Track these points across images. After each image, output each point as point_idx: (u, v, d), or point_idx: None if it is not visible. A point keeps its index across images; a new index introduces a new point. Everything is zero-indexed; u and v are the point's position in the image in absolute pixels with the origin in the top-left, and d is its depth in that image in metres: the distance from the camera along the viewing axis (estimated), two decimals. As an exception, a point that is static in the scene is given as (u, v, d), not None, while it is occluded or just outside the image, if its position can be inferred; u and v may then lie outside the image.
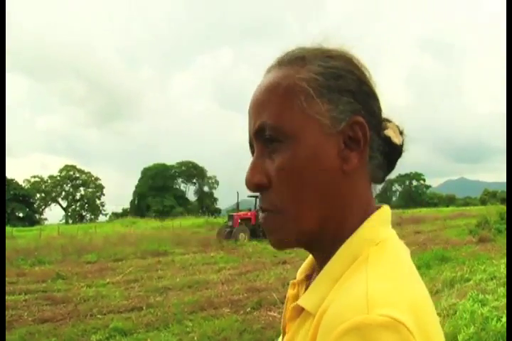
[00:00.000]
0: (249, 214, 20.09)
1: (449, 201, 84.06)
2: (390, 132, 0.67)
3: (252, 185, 0.62)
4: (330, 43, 0.66)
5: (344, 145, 0.61)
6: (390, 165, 0.69)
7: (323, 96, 0.61)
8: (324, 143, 0.60)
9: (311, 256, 0.72)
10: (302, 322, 0.60)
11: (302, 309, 0.60)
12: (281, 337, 0.71)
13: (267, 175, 0.61)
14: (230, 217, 20.48)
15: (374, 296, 0.50)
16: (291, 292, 0.72)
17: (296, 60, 0.64)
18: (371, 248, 0.59)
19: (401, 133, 0.69)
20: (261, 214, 0.64)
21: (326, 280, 0.59)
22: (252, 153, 0.66)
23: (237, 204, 22.41)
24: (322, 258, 0.63)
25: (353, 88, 0.62)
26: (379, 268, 0.55)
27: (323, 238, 0.62)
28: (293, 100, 0.60)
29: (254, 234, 18.87)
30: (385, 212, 0.65)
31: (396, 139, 0.67)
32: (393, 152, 0.68)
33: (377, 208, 0.66)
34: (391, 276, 0.54)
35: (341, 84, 0.62)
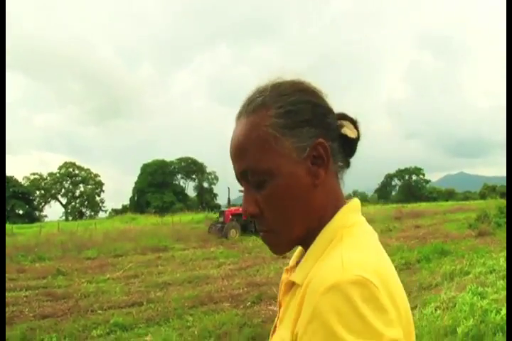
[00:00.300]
0: (240, 209, 19.91)
1: (449, 195, 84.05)
2: (346, 130, 0.82)
3: (248, 214, 0.78)
4: (286, 73, 0.81)
5: (311, 164, 0.76)
6: (352, 152, 0.84)
7: (286, 135, 0.75)
8: (296, 170, 0.74)
9: (300, 247, 0.87)
10: (293, 293, 0.74)
11: (293, 283, 0.75)
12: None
13: (258, 205, 0.77)
14: (221, 213, 20.34)
15: (347, 262, 0.65)
16: (284, 276, 0.86)
17: (259, 108, 0.77)
18: (344, 230, 0.74)
19: (355, 123, 0.84)
20: (260, 234, 0.80)
21: (310, 259, 0.74)
22: (241, 184, 0.81)
23: (228, 199, 22.20)
24: (308, 246, 0.77)
25: (309, 116, 0.77)
26: (351, 244, 0.70)
27: (309, 236, 0.77)
28: (264, 145, 0.74)
29: (246, 229, 18.85)
30: (353, 203, 0.81)
31: (352, 135, 0.82)
32: (352, 144, 0.83)
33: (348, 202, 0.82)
34: (360, 249, 0.69)
35: (299, 118, 0.76)
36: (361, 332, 0.59)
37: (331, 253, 0.69)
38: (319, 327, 0.61)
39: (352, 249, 0.69)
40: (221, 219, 19.72)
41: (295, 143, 0.74)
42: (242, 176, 0.78)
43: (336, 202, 0.79)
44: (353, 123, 0.84)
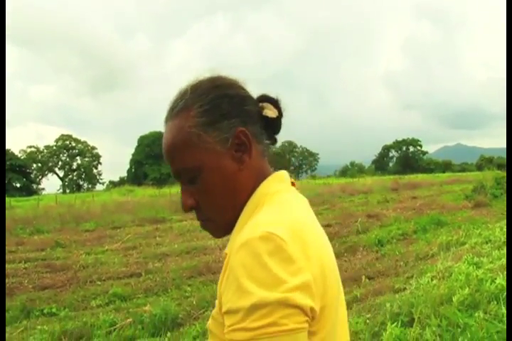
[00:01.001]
0: None
1: (446, 167, 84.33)
2: (267, 112, 0.89)
3: (187, 208, 0.86)
4: (204, 70, 0.89)
5: (235, 152, 0.83)
6: (277, 130, 0.92)
7: (208, 131, 0.82)
8: (221, 161, 0.82)
9: None
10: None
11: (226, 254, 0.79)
12: None
13: (195, 198, 0.84)
14: None
15: (260, 223, 0.72)
16: None
17: (181, 111, 0.84)
18: (266, 197, 0.82)
19: (276, 102, 0.91)
20: (200, 222, 0.89)
21: (238, 229, 0.80)
22: (178, 180, 0.87)
23: None
24: None
25: (227, 109, 0.84)
26: (268, 208, 0.78)
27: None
28: (189, 145, 0.82)
29: None
30: (278, 174, 0.89)
31: (273, 115, 0.89)
32: (274, 123, 0.90)
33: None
34: (275, 211, 0.76)
35: (218, 113, 0.83)
36: (265, 282, 0.65)
37: (252, 219, 0.77)
38: (232, 281, 0.68)
39: (267, 212, 0.76)
40: None
41: (217, 137, 0.82)
42: (176, 175, 0.86)
43: (262, 179, 0.86)
44: (274, 102, 0.91)
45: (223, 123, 0.82)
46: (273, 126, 0.90)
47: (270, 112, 0.89)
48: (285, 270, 0.66)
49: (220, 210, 0.84)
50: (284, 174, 0.90)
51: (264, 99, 0.91)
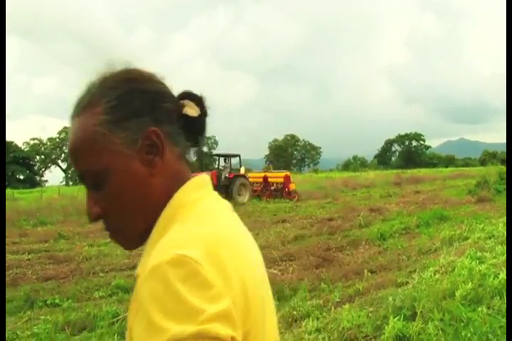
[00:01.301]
0: (210, 174, 19.07)
1: (449, 161, 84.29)
2: (187, 110, 0.80)
3: (92, 217, 0.76)
4: (115, 63, 0.79)
5: (146, 154, 0.74)
6: (199, 130, 0.84)
7: (115, 130, 0.72)
8: (129, 164, 0.72)
9: None
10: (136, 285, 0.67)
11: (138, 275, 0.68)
12: None
13: (101, 206, 0.74)
14: None
15: (172, 242, 0.64)
16: None
17: (87, 107, 0.74)
18: (180, 210, 0.73)
19: (200, 100, 0.82)
20: (108, 233, 0.79)
21: (150, 246, 0.71)
22: (83, 183, 0.78)
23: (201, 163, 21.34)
24: None
25: (139, 106, 0.75)
26: (184, 222, 0.69)
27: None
28: (93, 146, 0.72)
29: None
30: (198, 179, 0.80)
31: (194, 113, 0.80)
32: (196, 123, 0.82)
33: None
34: (191, 226, 0.68)
35: (128, 109, 0.74)
36: (179, 314, 0.57)
37: (164, 236, 0.67)
38: (141, 315, 0.59)
39: (183, 226, 0.68)
40: None
41: (125, 137, 0.73)
42: (81, 179, 0.77)
43: (181, 183, 0.77)
44: (198, 100, 0.83)
45: (132, 121, 0.74)
46: (194, 125, 0.82)
47: (191, 111, 0.81)
48: (201, 297, 0.58)
49: (129, 220, 0.75)
50: (204, 178, 0.82)
51: (186, 96, 0.83)
